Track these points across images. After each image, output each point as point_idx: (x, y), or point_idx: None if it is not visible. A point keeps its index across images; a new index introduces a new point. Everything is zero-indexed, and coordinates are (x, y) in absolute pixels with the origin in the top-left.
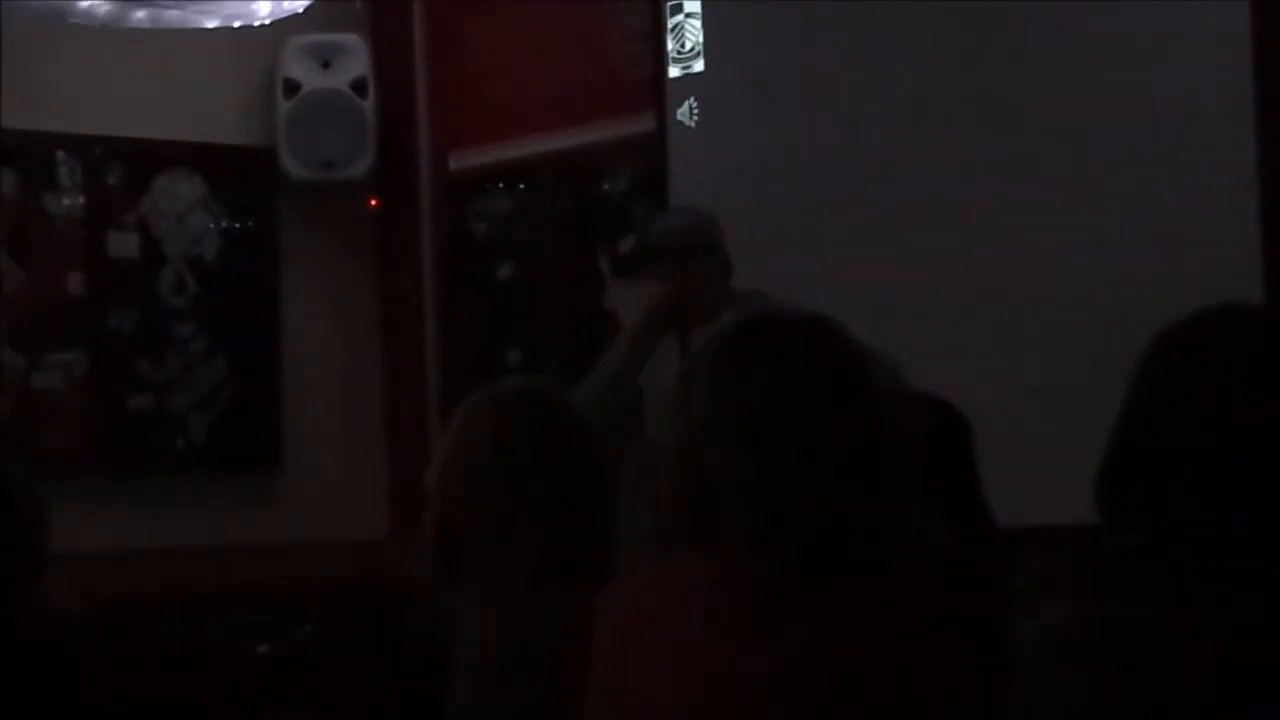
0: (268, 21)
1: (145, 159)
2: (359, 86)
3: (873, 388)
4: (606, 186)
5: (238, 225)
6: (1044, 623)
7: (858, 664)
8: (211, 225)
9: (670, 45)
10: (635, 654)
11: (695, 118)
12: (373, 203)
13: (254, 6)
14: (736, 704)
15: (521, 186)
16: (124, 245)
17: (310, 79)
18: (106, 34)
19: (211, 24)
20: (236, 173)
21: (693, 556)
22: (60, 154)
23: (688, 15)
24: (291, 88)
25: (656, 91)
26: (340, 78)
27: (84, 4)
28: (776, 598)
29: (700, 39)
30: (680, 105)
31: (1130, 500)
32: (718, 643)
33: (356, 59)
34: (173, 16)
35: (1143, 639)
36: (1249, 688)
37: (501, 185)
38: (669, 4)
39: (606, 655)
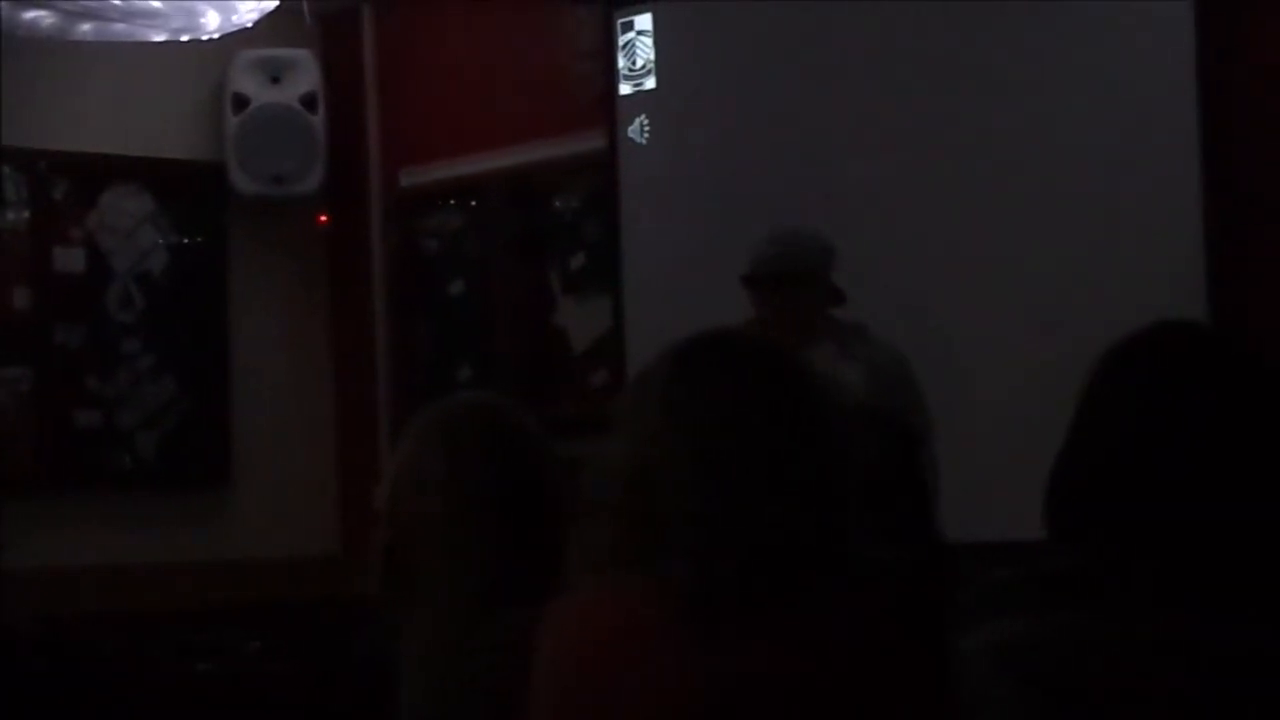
0: (216, 36)
1: (92, 173)
2: (309, 102)
3: (823, 409)
4: (557, 203)
5: (186, 241)
6: (987, 640)
7: (801, 685)
8: (160, 240)
9: (621, 63)
10: (576, 674)
11: (646, 135)
12: (322, 219)
13: (202, 20)
14: None
15: (472, 203)
16: (71, 260)
17: (259, 94)
18: (52, 47)
19: (159, 38)
20: (185, 188)
21: (638, 575)
22: (5, 168)
23: (639, 33)
24: (241, 103)
25: (608, 108)
26: (290, 93)
27: (29, 16)
28: (720, 618)
29: (651, 56)
30: (631, 122)
31: (1076, 517)
32: (660, 663)
33: (306, 74)
34: (119, 30)
35: (1085, 656)
36: (1191, 704)
37: (452, 202)
38: (620, 21)
39: (547, 674)
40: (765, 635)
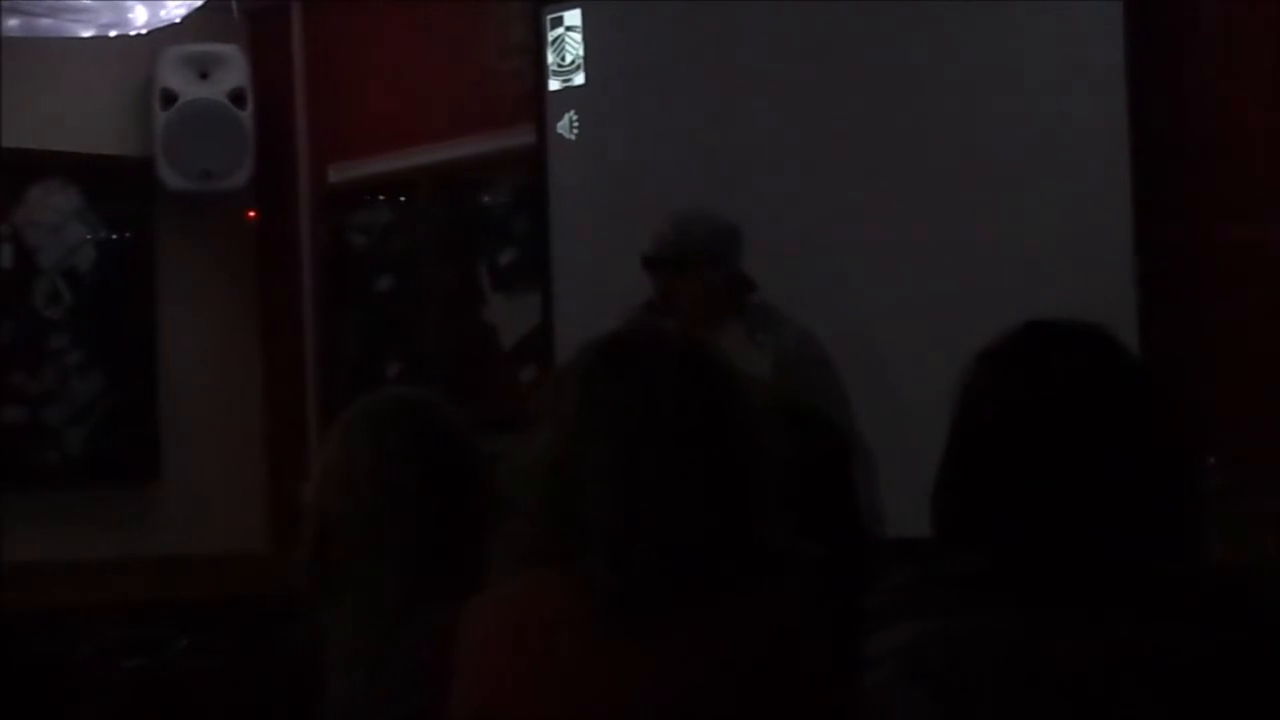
0: (144, 31)
1: (19, 169)
2: (237, 97)
3: (740, 406)
4: (486, 199)
5: (114, 236)
6: (896, 641)
7: (715, 681)
8: (88, 236)
9: (550, 58)
10: (494, 669)
11: (575, 130)
12: (251, 214)
13: (131, 16)
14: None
15: (401, 199)
16: None
17: (188, 89)
18: None
19: (87, 33)
20: (113, 183)
21: (555, 571)
22: None
23: (568, 29)
24: (169, 98)
25: (537, 104)
26: (218, 88)
27: None
28: (635, 614)
29: (581, 52)
30: (560, 118)
31: (965, 517)
32: (576, 658)
33: (235, 70)
34: (46, 25)
35: (989, 655)
36: (1095, 699)
37: (381, 197)
38: (549, 17)
39: (466, 671)
40: (680, 629)
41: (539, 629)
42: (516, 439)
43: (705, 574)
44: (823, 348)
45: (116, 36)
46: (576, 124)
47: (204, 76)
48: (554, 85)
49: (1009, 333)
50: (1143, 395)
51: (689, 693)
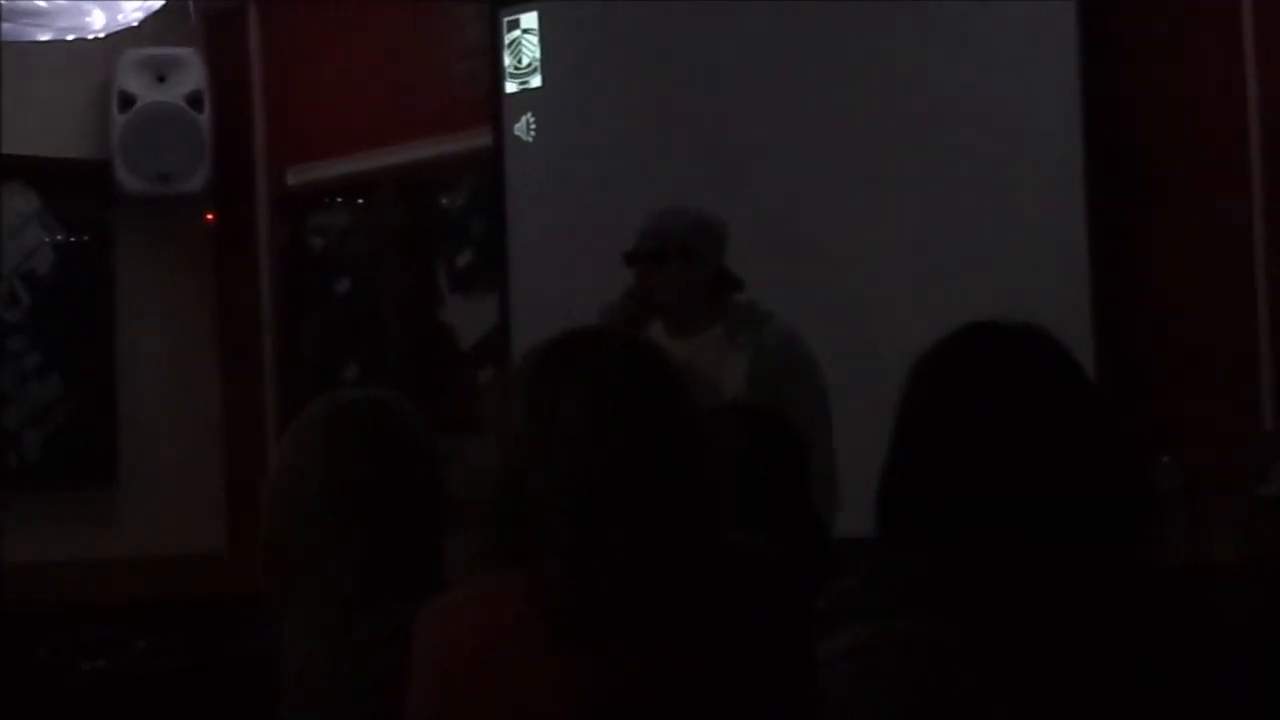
0: (102, 35)
1: None
2: (194, 100)
3: (687, 405)
4: (444, 201)
5: (72, 239)
6: (846, 643)
7: (669, 682)
8: (46, 239)
9: (507, 61)
10: (449, 675)
11: (533, 133)
12: (209, 217)
13: (88, 20)
14: None
15: (359, 201)
16: None
17: (145, 92)
18: None
19: (45, 36)
20: (71, 186)
21: (508, 575)
22: None
23: (525, 31)
24: (126, 101)
25: (494, 107)
26: (175, 91)
27: None
28: (587, 616)
29: (537, 55)
30: (518, 120)
31: (908, 521)
32: (529, 662)
33: (192, 73)
34: (5, 29)
35: (943, 657)
36: (1041, 702)
37: (339, 200)
38: (506, 20)
39: (420, 676)
40: (637, 634)
41: (494, 635)
42: (473, 440)
43: (659, 576)
44: (807, 345)
45: (74, 40)
46: (533, 126)
47: (161, 80)
48: (511, 88)
49: (947, 335)
50: (1082, 395)
51: (647, 697)
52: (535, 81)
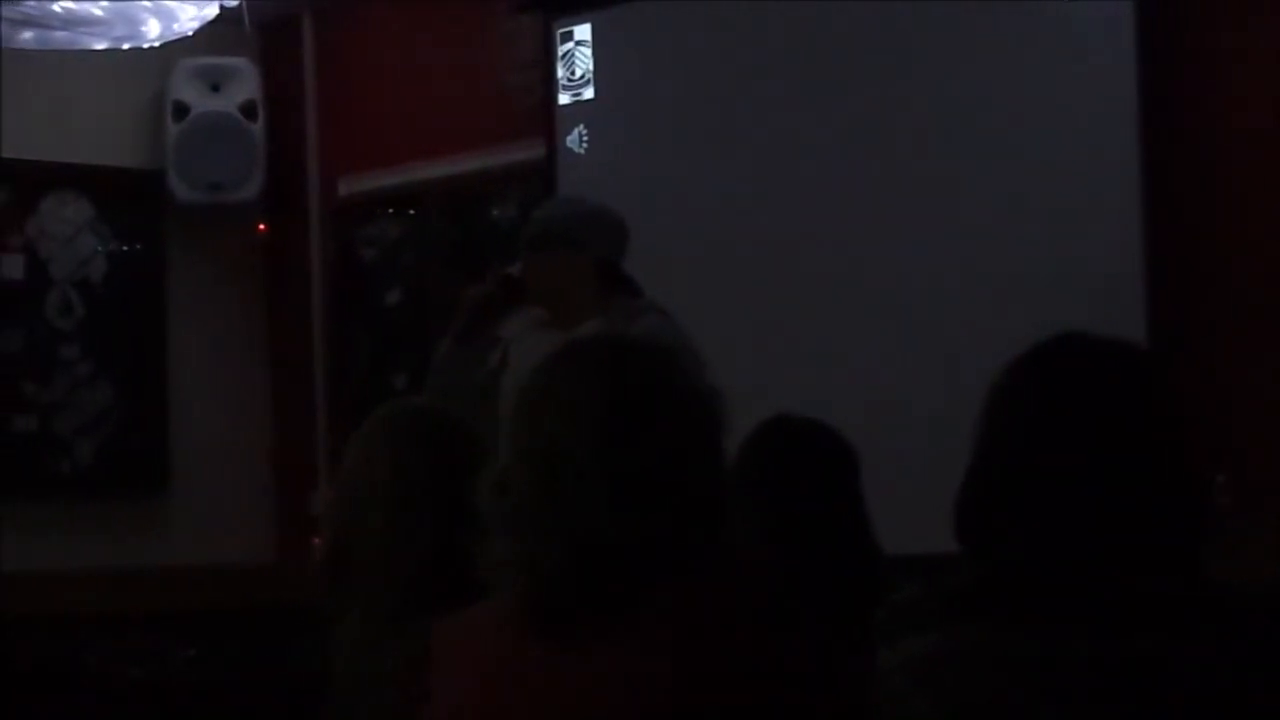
0: (157, 44)
1: (32, 181)
2: (248, 110)
3: (678, 412)
4: (495, 213)
5: (125, 248)
6: (903, 655)
7: (657, 686)
8: (99, 248)
9: (560, 72)
10: (450, 697)
11: (585, 145)
12: (261, 227)
13: (143, 29)
14: None
15: (410, 212)
16: (9, 267)
17: (199, 102)
18: None
19: (100, 46)
20: (124, 195)
21: (505, 591)
22: None
23: (578, 43)
24: (180, 110)
25: (546, 118)
26: (229, 101)
27: None
28: (568, 629)
29: (590, 66)
30: (570, 132)
31: (987, 530)
32: (516, 679)
33: (246, 82)
34: (61, 38)
35: (998, 669)
36: (1102, 714)
37: (390, 211)
38: (559, 32)
39: (433, 698)
40: (615, 639)
41: (486, 654)
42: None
43: (636, 581)
44: (674, 335)
45: (129, 49)
46: (586, 138)
47: (215, 89)
48: (564, 99)
49: (1037, 345)
50: (1166, 415)
51: (628, 703)
52: (588, 93)
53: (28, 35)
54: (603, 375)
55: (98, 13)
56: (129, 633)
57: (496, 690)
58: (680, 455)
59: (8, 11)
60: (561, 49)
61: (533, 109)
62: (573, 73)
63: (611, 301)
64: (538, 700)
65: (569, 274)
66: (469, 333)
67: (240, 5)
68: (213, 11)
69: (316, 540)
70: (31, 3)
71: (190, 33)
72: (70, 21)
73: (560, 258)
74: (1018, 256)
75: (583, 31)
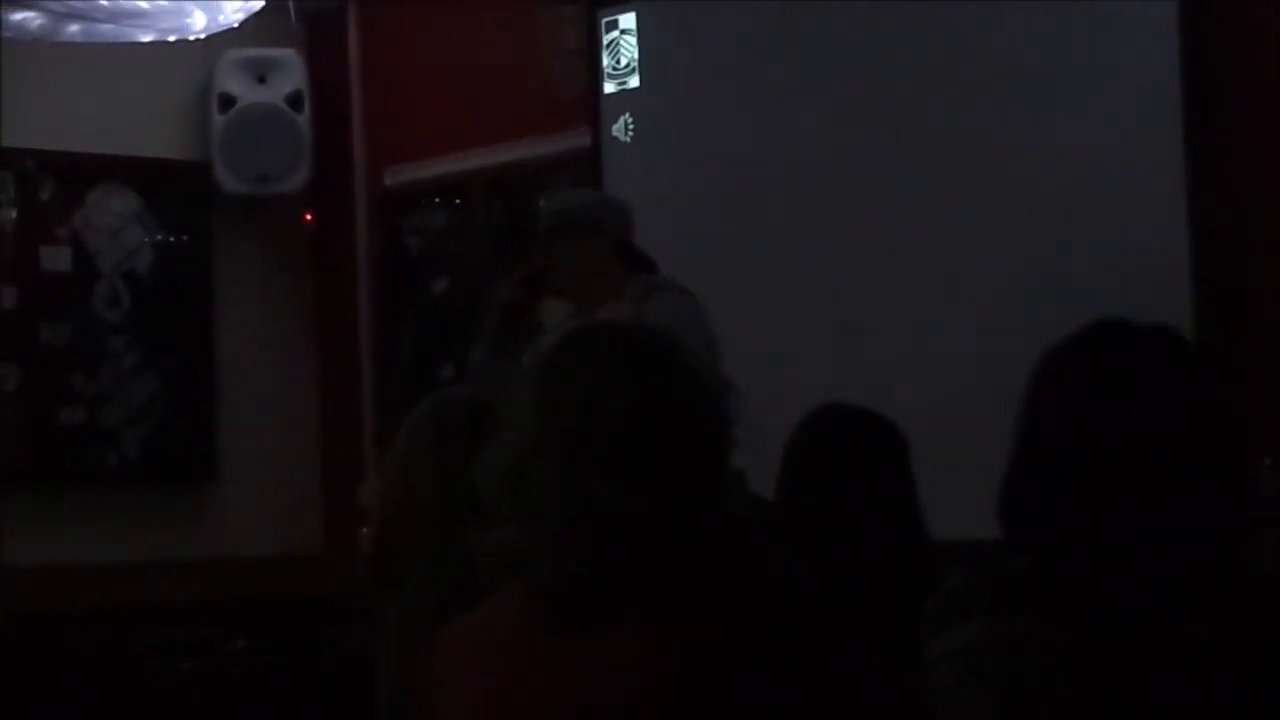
0: (203, 36)
1: (79, 173)
2: (294, 101)
3: (683, 396)
4: (541, 202)
5: (172, 239)
6: (953, 644)
7: (671, 674)
8: (146, 239)
9: (606, 61)
10: (458, 696)
11: (631, 133)
12: (307, 218)
13: (189, 21)
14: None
15: (456, 202)
16: (57, 259)
17: (245, 93)
18: (40, 48)
19: (146, 38)
20: (171, 187)
21: (518, 583)
22: None
23: (623, 32)
24: (226, 102)
25: (592, 107)
26: (275, 92)
27: (17, 17)
28: (584, 616)
29: (635, 55)
30: (616, 121)
31: (1031, 518)
32: (530, 671)
33: (292, 74)
34: (106, 30)
35: (1048, 658)
36: (1153, 705)
37: (436, 200)
38: (604, 20)
39: (439, 698)
40: (631, 627)
41: (495, 649)
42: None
43: (651, 569)
44: (697, 316)
45: (175, 41)
46: (631, 127)
47: (261, 80)
48: (609, 88)
49: (1076, 333)
50: (1206, 399)
51: (644, 691)
52: (633, 82)
53: (74, 28)
54: (619, 363)
55: (144, 5)
56: (178, 625)
57: (516, 687)
58: (696, 440)
59: (54, 5)
60: (606, 37)
61: (578, 98)
62: (618, 61)
63: (631, 282)
64: (559, 692)
65: (592, 259)
66: (502, 343)
67: None
68: (258, 3)
69: (364, 530)
70: None
71: (236, 24)
72: (116, 14)
73: (581, 244)
74: (1065, 240)
75: (627, 20)
